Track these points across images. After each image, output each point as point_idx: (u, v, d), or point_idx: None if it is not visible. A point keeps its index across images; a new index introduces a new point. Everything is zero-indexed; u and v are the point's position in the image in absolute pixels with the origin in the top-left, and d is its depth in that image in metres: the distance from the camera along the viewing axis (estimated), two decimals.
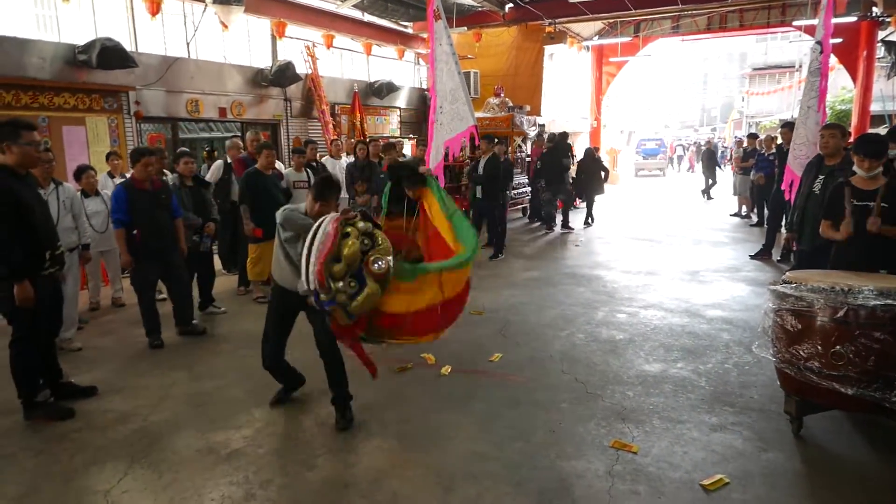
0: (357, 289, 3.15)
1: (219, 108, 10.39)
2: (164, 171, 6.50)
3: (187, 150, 7.22)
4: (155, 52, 9.53)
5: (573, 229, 11.35)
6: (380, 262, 3.19)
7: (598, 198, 12.39)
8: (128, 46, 8.66)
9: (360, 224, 3.26)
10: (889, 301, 3.02)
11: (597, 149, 13.22)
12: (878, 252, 3.74)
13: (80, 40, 8.26)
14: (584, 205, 12.53)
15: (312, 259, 3.13)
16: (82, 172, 6.10)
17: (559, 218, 11.59)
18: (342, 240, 3.15)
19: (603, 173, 12.29)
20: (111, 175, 7.18)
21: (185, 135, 10.26)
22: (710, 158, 17.02)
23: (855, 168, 3.88)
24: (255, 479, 3.11)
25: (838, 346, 3.12)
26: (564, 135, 12.19)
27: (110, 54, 8.11)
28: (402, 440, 3.51)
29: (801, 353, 3.25)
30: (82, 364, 4.80)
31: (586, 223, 11.93)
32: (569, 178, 11.93)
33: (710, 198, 16.44)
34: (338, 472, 3.17)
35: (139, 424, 3.76)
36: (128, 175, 6.99)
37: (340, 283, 3.13)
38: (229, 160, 7.61)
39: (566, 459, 3.24)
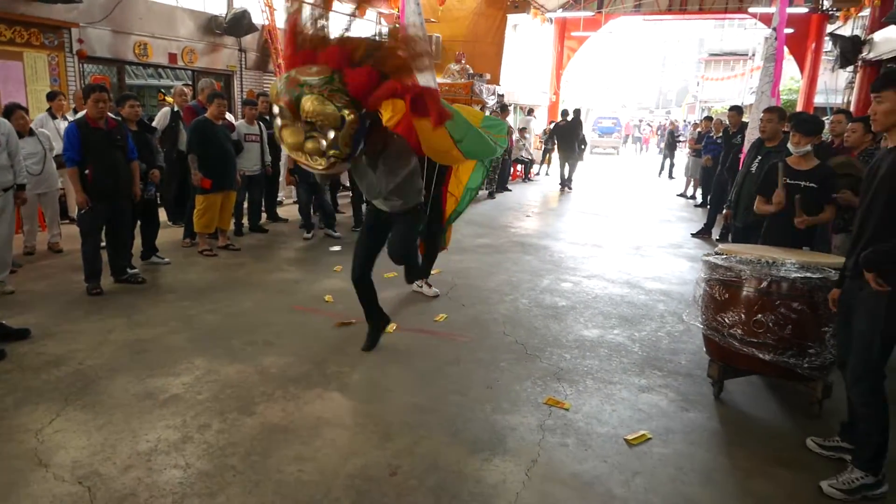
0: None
1: (169, 53, 9.97)
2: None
3: (132, 93, 6.96)
4: None
5: (572, 189, 13.62)
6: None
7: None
8: None
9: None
10: (808, 274, 3.22)
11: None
12: (803, 231, 3.97)
13: None
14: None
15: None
16: (11, 112, 5.74)
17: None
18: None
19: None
20: (53, 115, 6.87)
21: (132, 80, 9.84)
22: (671, 141, 17.59)
23: (789, 145, 4.07)
24: (193, 423, 3.12)
25: (760, 315, 3.32)
26: (578, 111, 14.00)
27: None
28: (343, 391, 3.56)
29: (726, 320, 3.45)
30: (15, 307, 4.65)
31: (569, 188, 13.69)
32: (580, 147, 14.09)
33: (671, 177, 17.18)
34: (277, 418, 3.21)
35: (74, 368, 3.69)
36: (70, 117, 6.71)
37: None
38: (176, 108, 7.36)
39: (501, 413, 3.36)
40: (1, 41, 7.59)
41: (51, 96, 7.01)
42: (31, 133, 5.96)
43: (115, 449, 2.86)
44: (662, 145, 19.83)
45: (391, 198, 3.77)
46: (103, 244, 5.26)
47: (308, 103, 2.97)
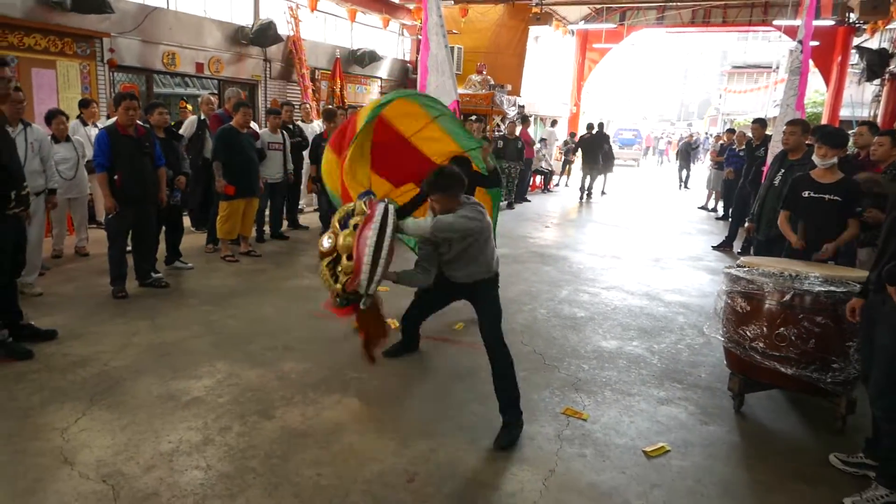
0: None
1: (196, 63, 10.19)
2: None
3: (160, 101, 7.12)
4: None
5: (591, 198, 14.05)
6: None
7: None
8: None
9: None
10: (832, 288, 3.19)
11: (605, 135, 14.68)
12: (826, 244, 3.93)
13: None
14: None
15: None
16: (53, 117, 5.97)
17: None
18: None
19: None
20: (84, 122, 7.05)
21: (159, 89, 10.06)
22: (686, 151, 17.63)
23: (815, 158, 4.03)
24: (214, 425, 3.17)
25: (782, 329, 3.29)
26: (602, 125, 14.34)
27: None
28: (361, 398, 3.59)
29: (748, 333, 3.42)
30: (43, 309, 4.76)
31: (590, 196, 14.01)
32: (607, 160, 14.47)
33: (686, 187, 17.24)
34: (296, 423, 3.24)
35: (99, 369, 3.77)
36: (100, 125, 6.88)
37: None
38: (203, 116, 7.50)
39: None
40: (36, 50, 7.82)
41: (83, 104, 7.19)
42: (68, 139, 6.13)
43: (139, 449, 2.91)
44: (677, 156, 19.81)
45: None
46: (129, 249, 5.37)
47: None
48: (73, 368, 3.76)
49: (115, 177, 5.00)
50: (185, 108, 8.50)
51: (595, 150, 13.86)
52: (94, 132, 6.45)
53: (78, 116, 7.16)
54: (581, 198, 13.70)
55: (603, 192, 14.89)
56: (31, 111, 7.25)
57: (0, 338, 3.87)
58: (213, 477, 2.72)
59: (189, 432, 3.09)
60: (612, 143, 15.52)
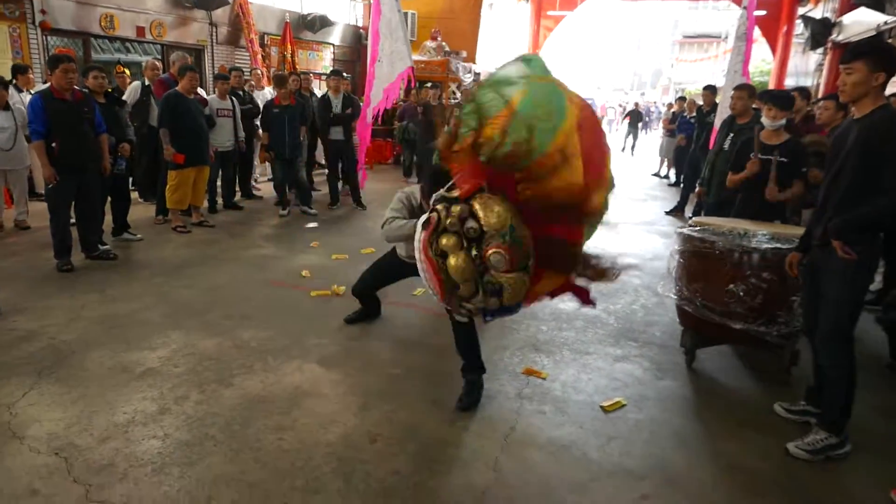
0: (497, 291, 2.52)
1: (136, 26, 9.71)
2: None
3: (97, 64, 6.78)
4: None
5: None
6: (496, 260, 2.43)
7: None
8: None
9: (450, 220, 2.50)
10: (779, 245, 3.31)
11: None
12: (774, 205, 4.06)
13: None
14: None
15: (433, 293, 2.65)
16: (24, 71, 5.59)
17: None
18: (443, 264, 2.52)
19: None
20: (18, 89, 6.66)
21: (98, 55, 9.56)
22: (633, 119, 18.24)
23: (762, 119, 4.14)
24: (171, 395, 3.10)
25: (731, 285, 3.40)
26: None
27: None
28: (322, 363, 3.56)
29: (699, 290, 3.53)
30: None
31: None
32: None
33: (632, 154, 17.87)
34: (256, 390, 3.20)
35: (46, 343, 3.63)
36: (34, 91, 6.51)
37: (476, 300, 2.58)
38: (147, 82, 7.19)
39: None
40: None
41: (20, 69, 6.79)
42: (7, 108, 5.78)
43: (91, 421, 2.83)
44: (625, 123, 20.17)
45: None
46: (73, 220, 5.14)
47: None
48: (18, 343, 3.61)
49: (53, 144, 4.76)
50: (123, 73, 8.09)
51: None
52: (28, 99, 6.11)
53: (12, 82, 6.76)
54: None
55: None
56: None
57: None
58: (171, 445, 2.67)
59: (144, 402, 3.02)
60: None
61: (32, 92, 6.54)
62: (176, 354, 3.57)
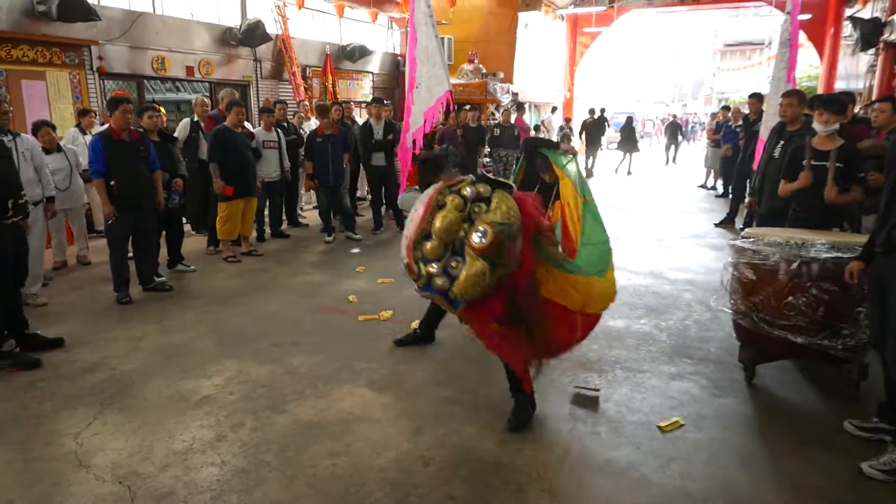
0: (453, 279, 2.60)
1: (186, 66, 10.13)
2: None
3: (151, 104, 7.09)
4: (118, 5, 9.21)
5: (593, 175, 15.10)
6: (480, 233, 2.53)
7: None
8: None
9: (468, 189, 2.67)
10: (839, 254, 3.17)
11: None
12: (831, 212, 3.91)
13: None
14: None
15: (403, 239, 2.73)
16: (38, 129, 5.90)
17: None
18: (437, 209, 2.62)
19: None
20: (83, 131, 7.05)
21: (151, 95, 9.99)
22: (672, 130, 18.28)
23: (814, 125, 4.00)
24: (226, 422, 3.16)
25: (791, 297, 3.28)
26: (603, 110, 16.40)
27: (71, 6, 7.81)
28: (372, 387, 3.58)
29: (756, 304, 3.41)
30: (49, 318, 4.74)
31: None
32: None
33: (674, 162, 18.29)
34: (308, 416, 3.23)
35: (108, 374, 3.76)
36: (94, 133, 6.85)
37: (434, 266, 2.65)
38: (196, 118, 7.47)
39: None
40: (24, 62, 7.78)
41: (83, 113, 7.20)
42: (59, 149, 6.09)
43: (152, 449, 2.91)
44: (664, 135, 20.16)
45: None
46: (130, 255, 5.35)
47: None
48: (83, 374, 3.75)
49: (112, 183, 4.98)
50: (158, 111, 8.42)
51: (597, 132, 15.49)
52: None
53: (77, 125, 7.16)
54: (616, 170, 15.76)
55: (629, 172, 15.94)
56: (24, 123, 7.23)
57: (7, 348, 3.87)
58: (228, 472, 2.72)
59: (202, 430, 3.08)
60: (610, 126, 16.82)
61: (93, 133, 6.90)
62: (230, 382, 3.65)
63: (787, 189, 4.13)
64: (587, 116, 16.07)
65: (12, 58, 7.65)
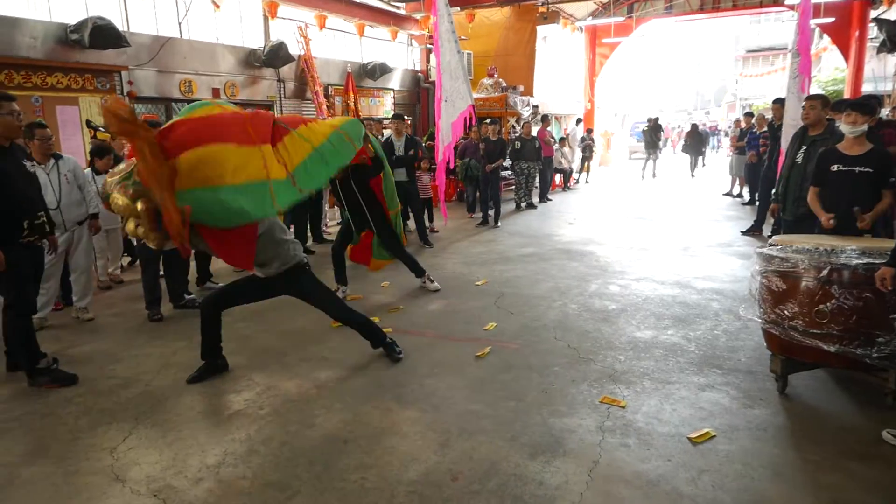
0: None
1: (212, 88, 10.39)
2: None
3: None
4: (147, 31, 9.50)
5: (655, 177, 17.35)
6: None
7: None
8: (119, 26, 8.64)
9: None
10: (871, 260, 3.12)
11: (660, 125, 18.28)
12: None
13: (72, 19, 8.24)
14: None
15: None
16: (105, 154, 6.11)
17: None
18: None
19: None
20: (97, 171, 7.20)
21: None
22: (694, 139, 17.99)
23: (841, 127, 3.95)
24: (257, 436, 3.21)
25: (822, 305, 3.22)
26: (658, 118, 18.28)
27: (102, 33, 8.10)
28: (399, 401, 3.60)
29: (786, 312, 3.36)
30: (84, 335, 4.88)
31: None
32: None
33: (703, 164, 18.63)
34: (337, 429, 3.26)
35: (142, 389, 3.85)
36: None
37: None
38: None
39: (558, 417, 3.34)
40: (58, 88, 8.06)
41: (100, 153, 7.33)
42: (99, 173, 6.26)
43: (186, 463, 2.96)
44: (683, 144, 20.10)
45: (266, 263, 3.90)
46: (161, 273, 5.47)
47: (113, 202, 3.25)
48: (117, 390, 3.84)
49: None
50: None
51: (654, 138, 17.62)
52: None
53: (90, 165, 7.31)
54: (642, 176, 17.32)
55: (654, 175, 17.39)
56: (59, 147, 7.45)
57: (45, 364, 3.97)
58: (260, 486, 2.75)
59: (234, 444, 3.13)
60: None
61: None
62: (260, 397, 3.70)
63: (815, 210, 4.10)
64: (645, 124, 18.20)
65: (47, 85, 7.94)
